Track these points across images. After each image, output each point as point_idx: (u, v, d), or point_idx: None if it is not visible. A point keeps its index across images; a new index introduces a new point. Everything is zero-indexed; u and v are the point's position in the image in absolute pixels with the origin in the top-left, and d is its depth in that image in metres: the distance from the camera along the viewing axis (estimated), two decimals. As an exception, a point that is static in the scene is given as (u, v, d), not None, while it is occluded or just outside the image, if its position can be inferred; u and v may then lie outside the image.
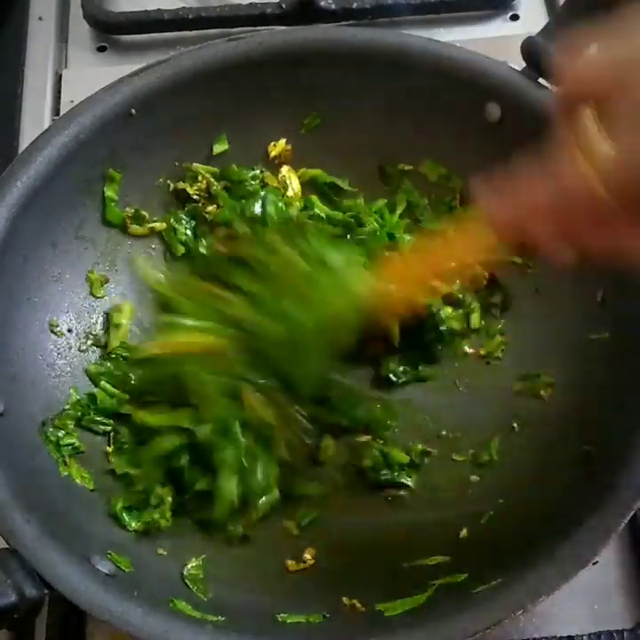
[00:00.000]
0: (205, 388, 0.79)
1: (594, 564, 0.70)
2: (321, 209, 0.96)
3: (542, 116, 0.87)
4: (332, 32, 0.94)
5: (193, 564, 0.80)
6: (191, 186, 0.95)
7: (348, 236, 0.93)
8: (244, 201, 0.95)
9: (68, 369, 0.89)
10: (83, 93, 0.89)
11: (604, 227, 0.56)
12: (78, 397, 0.87)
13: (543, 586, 0.68)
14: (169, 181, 0.96)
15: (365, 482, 0.87)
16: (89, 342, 0.91)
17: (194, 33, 1.16)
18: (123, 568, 0.75)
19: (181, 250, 0.96)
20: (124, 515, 0.81)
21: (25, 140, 1.09)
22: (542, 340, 0.90)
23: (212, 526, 0.82)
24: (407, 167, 0.98)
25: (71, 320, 0.91)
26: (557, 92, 0.60)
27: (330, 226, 0.94)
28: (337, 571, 0.83)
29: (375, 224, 0.94)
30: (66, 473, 0.81)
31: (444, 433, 0.89)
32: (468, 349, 0.93)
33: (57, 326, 0.89)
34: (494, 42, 1.12)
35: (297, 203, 0.96)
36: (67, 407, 0.85)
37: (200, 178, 0.95)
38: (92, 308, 0.93)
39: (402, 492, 0.87)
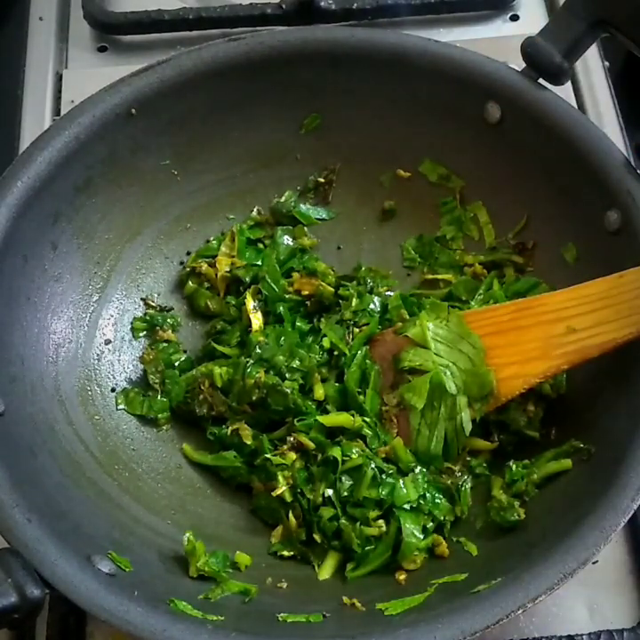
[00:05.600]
0: None
1: (594, 563, 0.70)
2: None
3: (542, 116, 0.88)
4: (331, 32, 0.94)
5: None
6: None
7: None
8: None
9: (69, 368, 0.89)
10: (83, 93, 0.90)
11: None
12: None
13: (543, 585, 0.68)
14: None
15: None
16: (89, 341, 0.92)
17: (194, 33, 1.17)
18: (123, 568, 0.75)
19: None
20: None
21: (25, 140, 1.09)
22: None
23: None
24: (405, 174, 0.98)
25: (71, 320, 0.91)
26: None
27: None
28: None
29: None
30: None
31: None
32: None
33: (57, 326, 0.89)
34: (494, 42, 1.12)
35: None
36: None
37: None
38: (91, 309, 0.93)
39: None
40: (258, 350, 0.89)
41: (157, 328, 0.95)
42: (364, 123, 0.97)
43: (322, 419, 0.85)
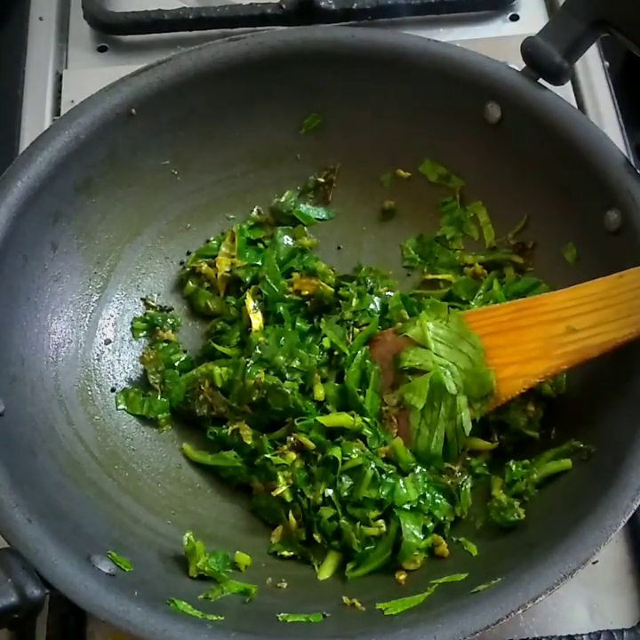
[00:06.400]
0: None
1: (594, 563, 0.70)
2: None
3: (542, 116, 0.88)
4: (331, 32, 0.94)
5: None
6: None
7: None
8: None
9: (69, 368, 0.89)
10: (83, 93, 0.90)
11: None
12: None
13: (543, 585, 0.68)
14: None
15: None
16: (89, 341, 0.92)
17: (194, 33, 1.17)
18: (123, 568, 0.75)
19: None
20: None
21: (25, 140, 1.09)
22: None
23: None
24: (405, 174, 0.98)
25: (71, 320, 0.91)
26: None
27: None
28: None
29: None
30: None
31: None
32: None
33: (57, 326, 0.89)
34: (494, 42, 1.12)
35: None
36: None
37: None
38: (91, 309, 0.93)
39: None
40: (258, 350, 0.89)
41: (157, 328, 0.95)
42: (363, 123, 0.97)
43: (322, 419, 0.85)
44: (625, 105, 1.11)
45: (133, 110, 0.90)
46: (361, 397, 0.87)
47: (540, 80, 0.89)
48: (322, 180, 1.00)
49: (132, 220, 0.95)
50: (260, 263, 0.97)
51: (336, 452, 0.83)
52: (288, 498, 0.84)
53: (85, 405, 0.89)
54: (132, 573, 0.75)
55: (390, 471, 0.83)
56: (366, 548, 0.82)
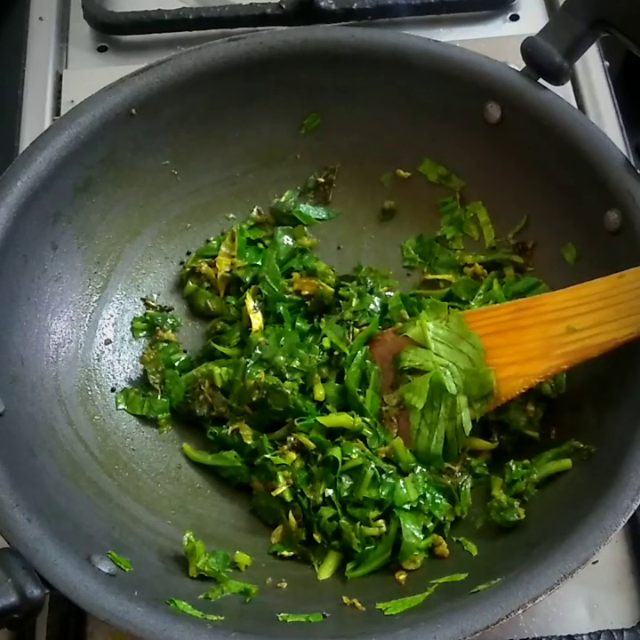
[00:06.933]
0: None
1: (594, 563, 0.70)
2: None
3: (542, 116, 0.88)
4: (332, 32, 0.94)
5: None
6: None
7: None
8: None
9: (69, 368, 0.89)
10: (83, 93, 0.90)
11: None
12: None
13: (543, 585, 0.68)
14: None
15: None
16: (89, 341, 0.92)
17: (194, 33, 1.17)
18: (123, 568, 0.75)
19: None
20: None
21: (25, 140, 1.09)
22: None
23: None
24: (405, 174, 0.98)
25: (71, 320, 0.91)
26: None
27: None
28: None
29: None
30: None
31: None
32: None
33: (57, 326, 0.89)
34: (494, 42, 1.12)
35: None
36: None
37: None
38: (91, 309, 0.93)
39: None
40: (258, 351, 0.89)
41: (157, 328, 0.95)
42: (363, 123, 0.97)
43: (322, 419, 0.85)
44: (625, 105, 1.12)
45: (133, 110, 0.90)
46: (361, 397, 0.87)
47: (540, 80, 0.89)
48: (322, 180, 1.00)
49: (132, 219, 0.95)
50: (260, 263, 0.97)
51: (336, 452, 0.83)
52: (288, 498, 0.84)
53: (85, 405, 0.89)
54: (132, 573, 0.75)
55: (390, 471, 0.83)
56: (366, 548, 0.82)
